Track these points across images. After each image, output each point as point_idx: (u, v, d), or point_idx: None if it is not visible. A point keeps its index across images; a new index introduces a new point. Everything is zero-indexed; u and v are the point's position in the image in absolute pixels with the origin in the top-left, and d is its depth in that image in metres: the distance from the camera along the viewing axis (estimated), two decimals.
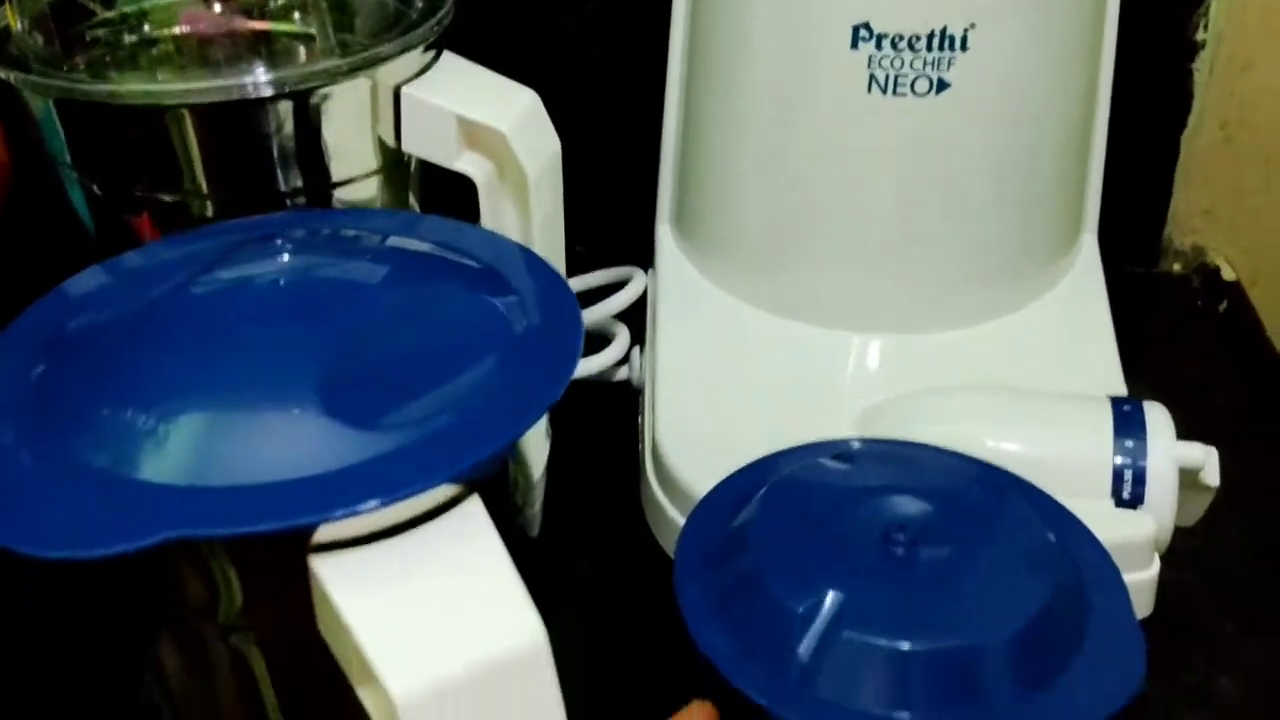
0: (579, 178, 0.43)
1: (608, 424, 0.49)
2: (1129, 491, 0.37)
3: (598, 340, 0.50)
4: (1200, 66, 0.55)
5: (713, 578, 0.30)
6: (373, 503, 0.25)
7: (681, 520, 0.40)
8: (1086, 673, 0.28)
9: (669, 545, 0.41)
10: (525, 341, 0.30)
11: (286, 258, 0.33)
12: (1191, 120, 0.57)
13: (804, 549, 0.30)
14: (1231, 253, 0.59)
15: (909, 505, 0.31)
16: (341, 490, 0.25)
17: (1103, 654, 0.28)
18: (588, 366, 0.48)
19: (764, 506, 0.31)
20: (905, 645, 0.27)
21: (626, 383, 0.49)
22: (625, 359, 0.49)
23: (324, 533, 0.26)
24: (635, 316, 0.51)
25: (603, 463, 0.47)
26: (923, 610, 0.28)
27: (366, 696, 0.25)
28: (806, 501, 0.32)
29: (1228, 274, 0.58)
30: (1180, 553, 0.40)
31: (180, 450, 0.26)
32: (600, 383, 0.49)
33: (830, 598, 0.28)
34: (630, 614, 0.41)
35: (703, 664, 0.28)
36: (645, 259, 0.52)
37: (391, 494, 0.25)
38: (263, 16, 0.42)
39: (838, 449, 0.34)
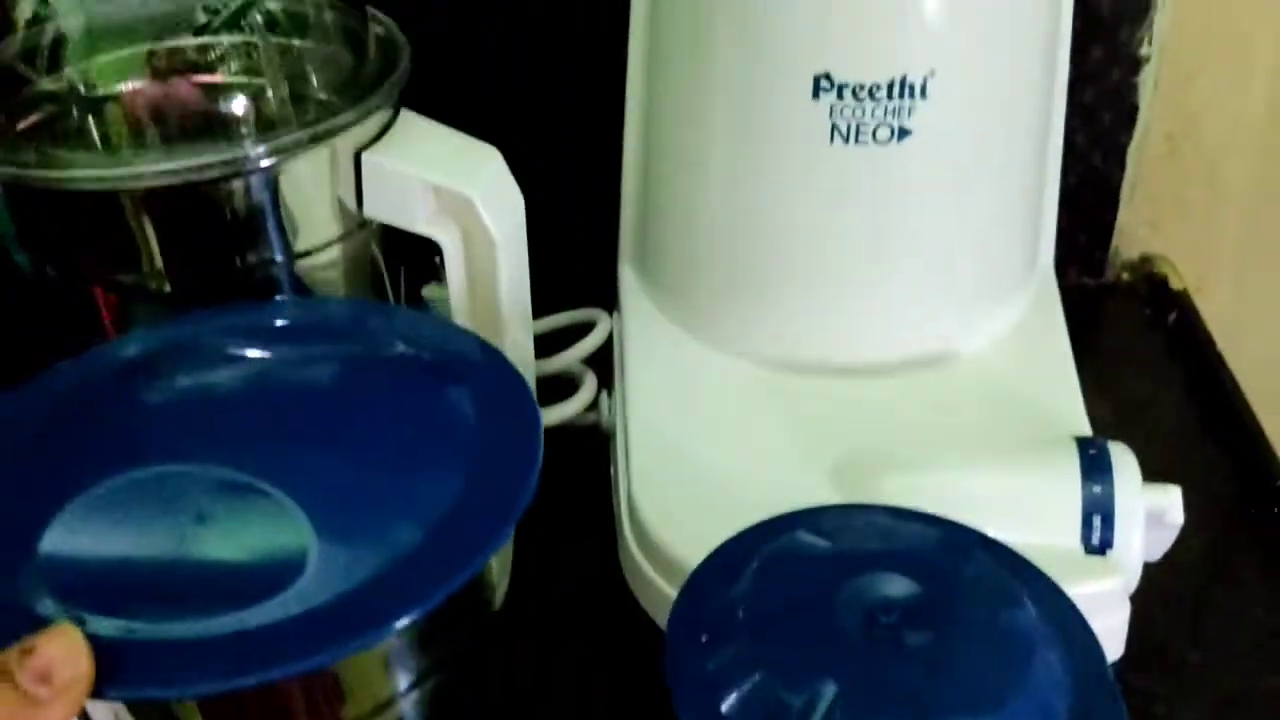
0: (538, 217, 0.43)
1: (578, 470, 0.49)
2: (1098, 537, 0.38)
3: (565, 384, 0.50)
4: (1145, 80, 0.56)
5: (703, 662, 0.30)
6: (331, 655, 0.25)
7: (659, 580, 0.40)
8: None
9: (648, 603, 0.41)
10: (487, 447, 0.30)
11: (238, 364, 0.32)
12: (1137, 133, 0.58)
13: (794, 635, 0.30)
14: (1178, 262, 0.60)
15: (892, 584, 0.31)
16: (306, 642, 0.25)
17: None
18: (558, 414, 0.48)
19: (751, 588, 0.32)
20: None
21: (594, 427, 0.49)
22: (594, 404, 0.49)
23: None
24: (600, 355, 0.50)
25: (574, 511, 0.47)
26: (915, 699, 0.28)
27: None
28: (793, 581, 0.32)
29: (1175, 283, 0.60)
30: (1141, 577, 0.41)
31: (133, 586, 0.26)
32: (569, 428, 0.49)
33: (825, 691, 0.28)
34: (617, 685, 0.42)
35: None
36: (606, 299, 0.52)
37: (355, 647, 0.25)
38: (215, 73, 0.41)
39: (819, 521, 0.34)
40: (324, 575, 0.26)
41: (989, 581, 0.32)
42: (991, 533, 0.35)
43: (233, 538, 0.26)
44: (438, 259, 0.55)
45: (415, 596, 0.26)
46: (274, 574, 0.25)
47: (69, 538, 0.26)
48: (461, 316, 0.43)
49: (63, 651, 0.24)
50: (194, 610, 0.24)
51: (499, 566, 0.33)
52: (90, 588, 0.25)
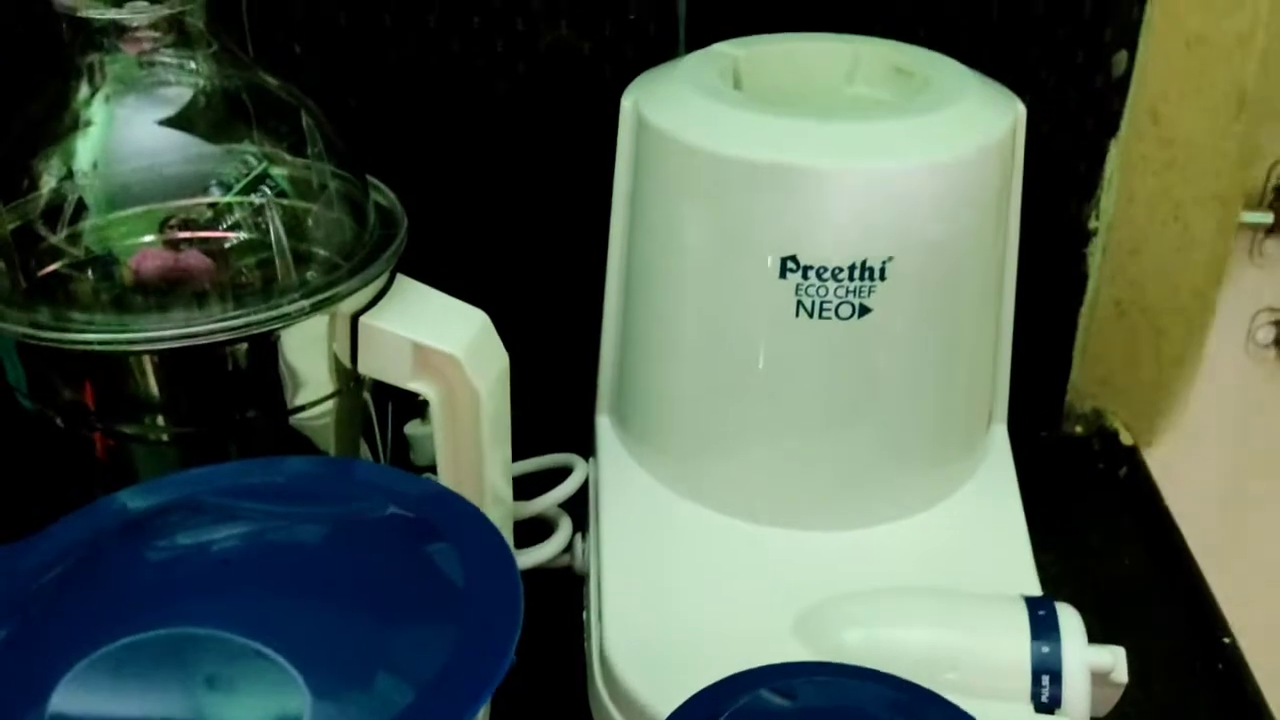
0: (521, 367, 0.45)
1: (551, 611, 0.50)
2: (1047, 695, 0.40)
3: (541, 526, 0.52)
4: (1094, 251, 0.60)
5: None
6: None
7: None
8: None
9: None
10: (471, 607, 0.32)
11: (236, 522, 0.34)
12: (1088, 298, 0.61)
13: None
14: (1128, 417, 0.64)
15: None
16: None
17: None
18: (534, 556, 0.50)
19: None
20: None
21: (568, 569, 0.51)
22: (568, 546, 0.51)
23: None
24: (576, 500, 0.53)
25: (546, 653, 0.48)
26: None
27: None
28: None
29: (1125, 438, 0.63)
30: None
31: None
32: (544, 569, 0.51)
33: None
34: None
35: None
36: (583, 445, 0.55)
37: None
38: (223, 247, 0.43)
39: (781, 681, 0.36)
40: None
41: None
42: (944, 687, 0.37)
43: (237, 701, 0.28)
44: (420, 399, 0.57)
45: None
46: None
47: (79, 697, 0.27)
48: (445, 462, 0.46)
49: None
50: None
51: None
52: None
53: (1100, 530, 0.59)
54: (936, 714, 0.36)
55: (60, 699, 0.27)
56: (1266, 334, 0.67)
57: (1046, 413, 0.64)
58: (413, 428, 0.57)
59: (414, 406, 0.57)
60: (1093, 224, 0.59)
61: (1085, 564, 0.56)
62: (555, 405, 0.55)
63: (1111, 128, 0.57)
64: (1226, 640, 0.51)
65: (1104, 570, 0.56)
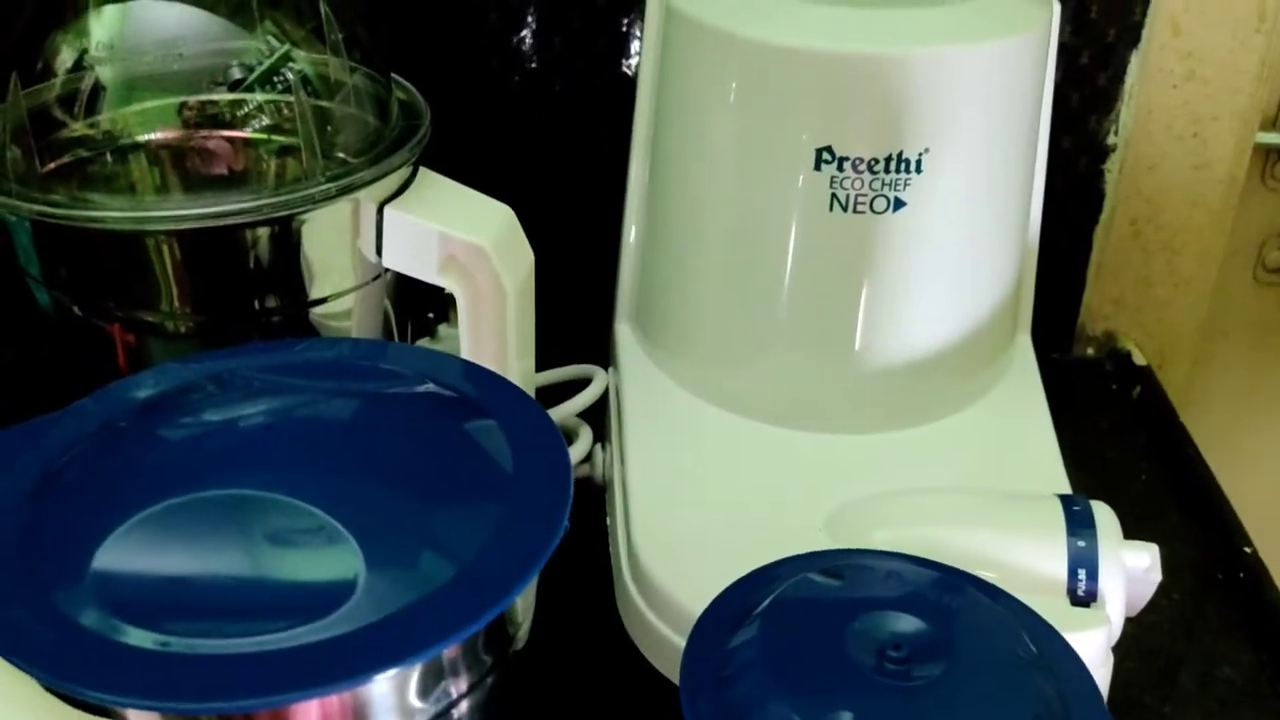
0: (538, 274, 0.44)
1: (572, 520, 0.50)
2: (1084, 589, 0.40)
3: None
4: (1111, 167, 0.60)
5: (718, 703, 0.32)
6: (388, 671, 0.26)
7: (664, 629, 0.41)
8: None
9: (650, 652, 0.42)
10: (515, 482, 0.31)
11: (273, 398, 0.33)
12: (1103, 217, 0.61)
13: (806, 673, 0.31)
14: (1140, 338, 0.63)
15: (899, 622, 0.32)
16: (358, 657, 0.26)
17: None
18: None
19: (763, 628, 0.33)
20: None
21: (588, 479, 0.51)
22: (588, 456, 0.51)
23: None
24: (594, 410, 0.52)
25: (571, 562, 0.47)
26: None
27: None
28: (801, 620, 0.33)
29: (1138, 358, 0.62)
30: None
31: (183, 603, 0.26)
32: None
33: None
34: None
35: None
36: (596, 355, 0.54)
37: (403, 662, 0.26)
38: (244, 127, 0.42)
39: (822, 563, 0.36)
40: (369, 601, 0.27)
41: (987, 619, 0.34)
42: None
43: (289, 557, 0.27)
44: (430, 315, 0.56)
45: (449, 629, 0.27)
46: (324, 596, 0.26)
47: (124, 554, 0.26)
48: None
49: None
50: (237, 627, 0.25)
51: (524, 606, 0.34)
52: (137, 602, 0.26)
53: (1116, 449, 0.58)
54: (979, 593, 0.36)
55: (105, 555, 0.26)
56: (1276, 258, 0.67)
57: (1060, 334, 0.63)
58: (424, 345, 0.56)
59: (422, 325, 0.56)
60: (1111, 139, 0.59)
61: (1101, 481, 0.55)
62: (574, 315, 0.54)
63: (1133, 38, 0.56)
64: (1248, 550, 0.51)
65: (1121, 486, 0.56)
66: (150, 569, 0.26)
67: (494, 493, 0.31)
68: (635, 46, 0.46)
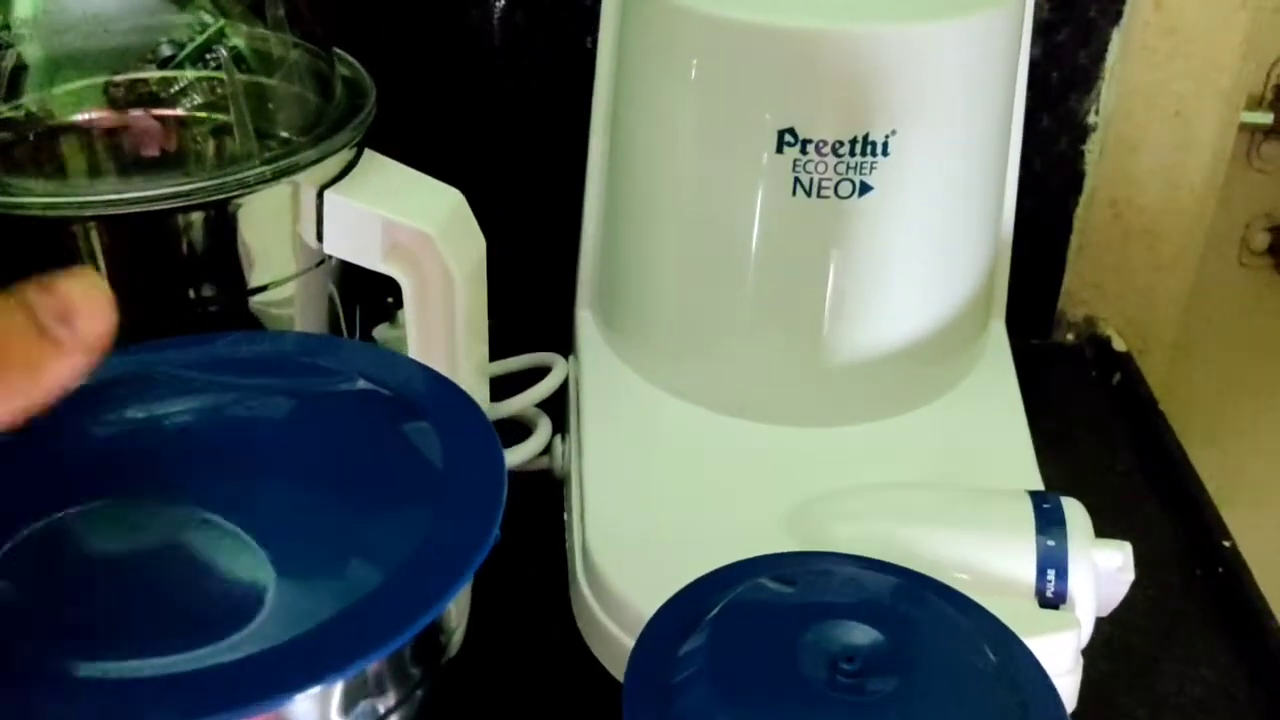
0: (495, 260, 0.43)
1: (529, 515, 0.48)
2: (1052, 590, 0.39)
3: (518, 428, 0.50)
4: (1091, 148, 0.58)
5: (665, 711, 0.30)
6: (308, 690, 0.24)
7: (616, 630, 0.39)
8: None
9: (602, 650, 0.41)
10: (448, 486, 0.29)
11: (194, 396, 0.32)
12: (1083, 198, 0.59)
13: (755, 685, 0.30)
14: (1120, 324, 0.62)
15: (853, 632, 0.31)
16: (275, 676, 0.24)
17: None
18: (511, 458, 0.48)
19: (712, 637, 0.31)
20: None
21: (547, 472, 0.49)
22: (546, 448, 0.49)
23: None
24: (554, 400, 0.50)
25: (526, 557, 0.46)
26: None
27: None
28: (752, 629, 0.32)
29: (1118, 345, 0.61)
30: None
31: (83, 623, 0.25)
32: (520, 473, 0.49)
33: None
34: None
35: None
36: (558, 342, 0.52)
37: (323, 679, 0.24)
38: (175, 106, 0.40)
39: (776, 569, 0.34)
40: (281, 615, 0.25)
41: (947, 628, 0.33)
42: (944, 583, 0.35)
43: (193, 574, 0.25)
44: (390, 300, 0.54)
45: (373, 641, 0.25)
46: (231, 611, 0.24)
47: (17, 571, 0.25)
48: (416, 354, 0.43)
49: (84, 295, 0.21)
50: (146, 647, 0.24)
51: (457, 612, 0.32)
52: (30, 625, 0.24)
53: (1094, 437, 0.57)
54: (940, 600, 0.34)
55: None
56: (1262, 240, 0.66)
57: (1038, 319, 0.62)
58: (382, 331, 0.54)
59: (381, 311, 0.54)
60: (1092, 119, 0.57)
61: (1078, 472, 0.54)
62: (531, 300, 0.52)
63: (1115, 14, 0.54)
64: (1226, 544, 0.49)
65: (1098, 477, 0.55)
66: (46, 587, 0.25)
67: (424, 497, 0.29)
68: (596, 20, 0.45)
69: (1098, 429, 0.58)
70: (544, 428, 0.49)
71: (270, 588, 0.25)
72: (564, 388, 0.50)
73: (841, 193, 0.41)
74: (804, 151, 0.40)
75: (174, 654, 0.24)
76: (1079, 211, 0.59)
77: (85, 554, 0.25)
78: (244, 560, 0.26)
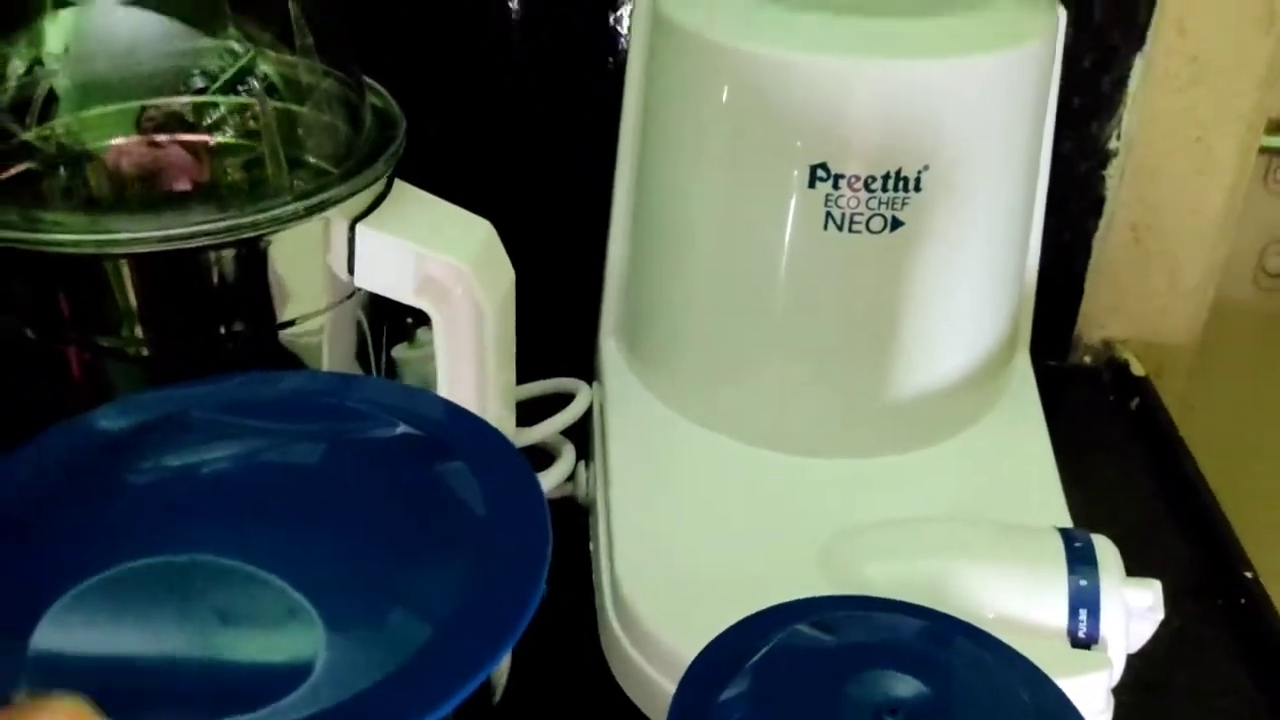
0: (520, 286, 0.42)
1: (555, 542, 0.48)
2: (1084, 631, 0.39)
3: (541, 454, 0.50)
4: (1112, 172, 0.58)
5: None
6: None
7: (650, 670, 0.39)
8: None
9: (635, 693, 0.40)
10: (493, 534, 0.29)
11: (230, 441, 0.31)
12: (1103, 223, 0.59)
13: None
14: (1139, 348, 0.62)
15: (895, 683, 0.31)
16: None
17: None
18: None
19: (754, 685, 0.31)
20: None
21: (570, 498, 0.49)
22: (571, 475, 0.49)
23: None
24: (577, 427, 0.50)
25: (553, 582, 0.46)
26: None
27: None
28: (794, 678, 0.32)
29: (1137, 369, 0.61)
30: None
31: (135, 688, 0.24)
32: None
33: None
34: None
35: None
36: (578, 367, 0.52)
37: None
38: (209, 134, 0.40)
39: (813, 614, 0.34)
40: (335, 673, 0.25)
41: (983, 674, 0.32)
42: (975, 622, 0.35)
43: (249, 635, 0.25)
44: (409, 320, 0.54)
45: (428, 703, 0.25)
46: (286, 671, 0.24)
47: (64, 633, 0.24)
48: (444, 387, 0.43)
49: None
50: (200, 714, 0.23)
51: (501, 665, 0.32)
52: (84, 689, 0.24)
53: (1113, 463, 0.57)
54: (974, 646, 0.34)
55: (45, 635, 0.24)
56: (1278, 263, 0.66)
57: (1056, 341, 0.62)
58: (401, 351, 0.54)
59: (400, 330, 0.54)
60: (1113, 144, 0.57)
61: (1097, 496, 0.54)
62: (556, 327, 0.52)
63: (1138, 41, 0.54)
64: (1248, 574, 0.49)
65: (1117, 503, 0.55)
66: (93, 650, 0.24)
67: (465, 544, 0.29)
68: (624, 49, 0.44)
69: (1116, 453, 0.58)
70: (568, 455, 0.49)
71: (321, 644, 0.25)
72: (588, 414, 0.50)
73: (873, 227, 0.41)
74: (836, 186, 0.40)
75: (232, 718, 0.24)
76: (1098, 236, 0.59)
77: (131, 618, 0.25)
78: (295, 619, 0.25)
